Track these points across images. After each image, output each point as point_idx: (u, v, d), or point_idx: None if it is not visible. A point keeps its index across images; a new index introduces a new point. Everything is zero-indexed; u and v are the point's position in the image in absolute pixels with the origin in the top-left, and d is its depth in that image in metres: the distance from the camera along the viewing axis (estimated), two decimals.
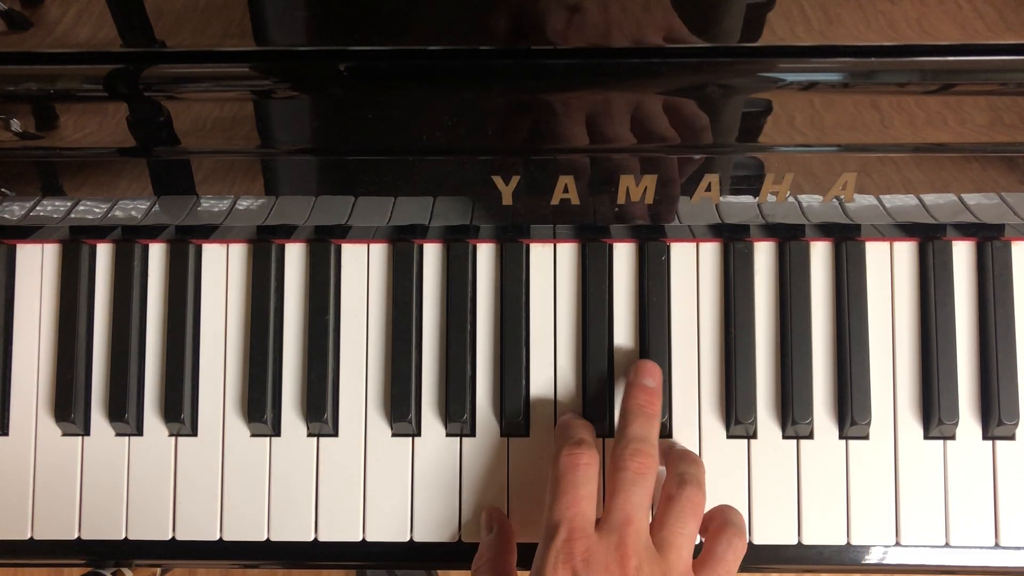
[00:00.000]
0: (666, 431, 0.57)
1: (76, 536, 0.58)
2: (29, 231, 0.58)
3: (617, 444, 0.52)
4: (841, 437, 0.57)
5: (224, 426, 0.58)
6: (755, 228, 0.56)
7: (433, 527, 0.57)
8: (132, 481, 0.58)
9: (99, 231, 0.58)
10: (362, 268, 0.59)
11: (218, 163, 0.51)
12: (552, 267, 0.58)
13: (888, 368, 0.57)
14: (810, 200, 0.52)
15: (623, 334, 0.58)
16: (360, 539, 0.57)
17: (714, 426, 0.57)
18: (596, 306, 0.57)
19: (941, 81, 0.47)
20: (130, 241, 0.59)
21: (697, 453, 0.56)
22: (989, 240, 0.57)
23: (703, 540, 0.53)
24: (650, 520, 0.51)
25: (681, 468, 0.52)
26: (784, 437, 0.57)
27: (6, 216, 0.55)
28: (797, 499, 0.56)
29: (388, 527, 0.57)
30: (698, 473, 0.52)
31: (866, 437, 0.57)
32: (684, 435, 0.57)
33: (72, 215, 0.55)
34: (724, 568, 0.50)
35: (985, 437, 0.57)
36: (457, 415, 0.57)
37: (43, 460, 0.58)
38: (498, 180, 0.51)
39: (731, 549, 0.51)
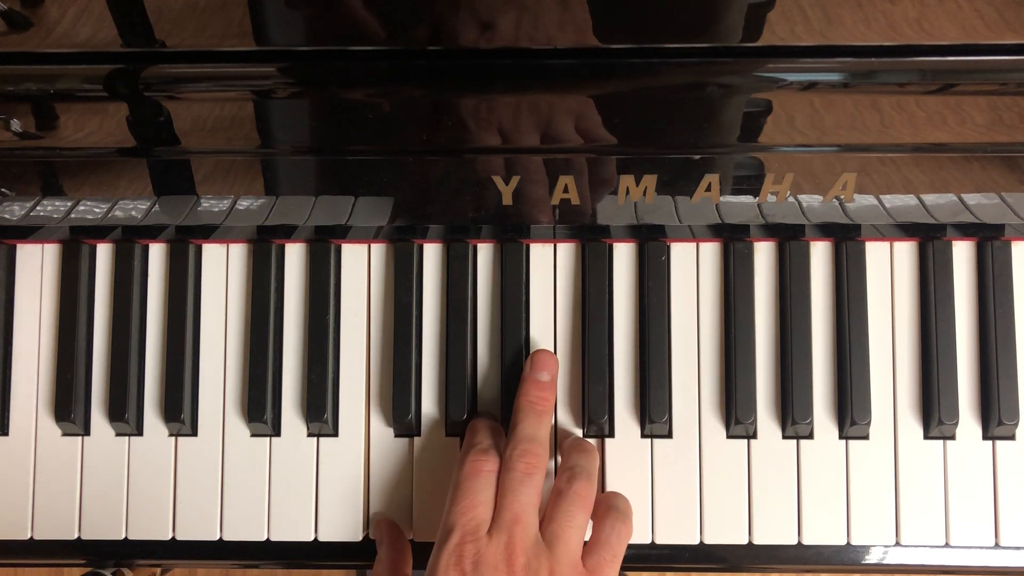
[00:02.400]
0: (666, 431, 0.57)
1: (76, 536, 0.58)
2: (29, 231, 0.58)
3: (508, 442, 0.53)
4: (841, 437, 0.57)
5: (224, 426, 0.58)
6: (755, 228, 0.56)
7: (433, 527, 0.57)
8: (132, 481, 0.58)
9: (99, 231, 0.58)
10: (362, 268, 0.59)
11: (218, 163, 0.51)
12: (552, 267, 0.58)
13: (888, 368, 0.57)
14: (810, 200, 0.52)
15: (623, 334, 0.58)
16: (361, 539, 0.57)
17: (714, 426, 0.57)
18: (596, 306, 0.57)
19: (941, 81, 0.47)
20: (130, 241, 0.59)
21: (697, 453, 0.57)
22: (989, 240, 0.57)
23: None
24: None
25: (572, 461, 0.53)
26: (784, 437, 0.57)
27: (6, 216, 0.55)
28: (797, 499, 0.56)
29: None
30: (588, 465, 0.53)
31: (866, 437, 0.57)
32: (684, 435, 0.57)
33: (72, 215, 0.55)
34: (609, 552, 0.51)
35: (985, 437, 0.57)
36: (457, 415, 0.57)
37: (43, 460, 0.58)
38: (498, 180, 0.51)
39: (615, 533, 0.52)
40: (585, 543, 0.52)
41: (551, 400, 0.55)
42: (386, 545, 0.55)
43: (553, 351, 0.58)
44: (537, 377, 0.55)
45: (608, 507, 0.53)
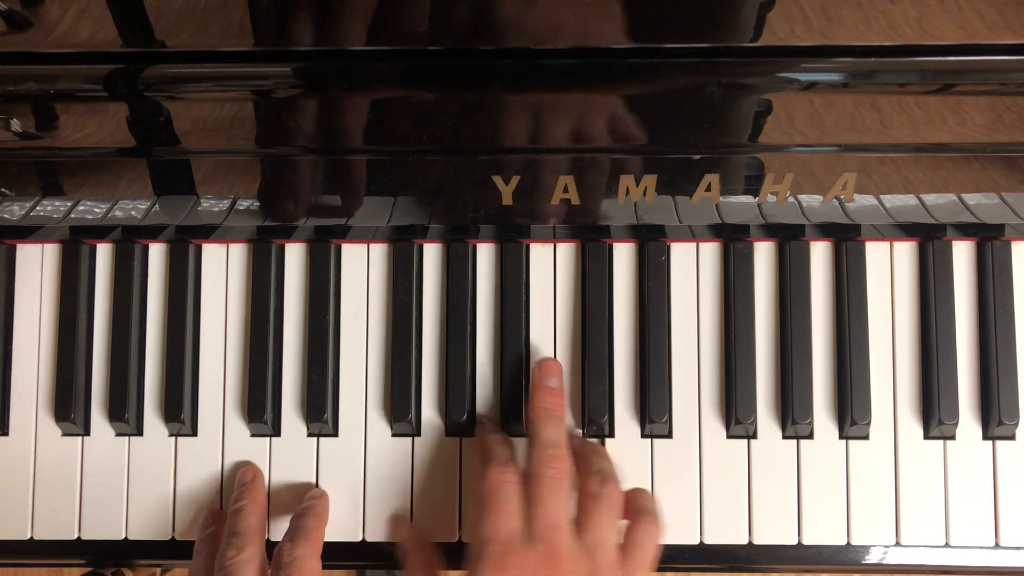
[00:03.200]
0: (666, 431, 0.57)
1: (76, 536, 0.58)
2: (29, 231, 0.58)
3: (532, 451, 0.52)
4: (841, 437, 0.57)
5: (224, 426, 0.58)
6: (755, 228, 0.56)
7: (433, 527, 0.57)
8: (132, 481, 0.58)
9: (99, 231, 0.58)
10: (362, 268, 0.59)
11: (218, 163, 0.51)
12: (552, 267, 0.58)
13: (888, 368, 0.57)
14: (810, 200, 0.52)
15: (623, 334, 0.58)
16: (360, 539, 0.57)
17: (714, 426, 0.57)
18: (596, 306, 0.57)
19: (941, 81, 0.47)
20: (130, 241, 0.59)
21: (697, 453, 0.57)
22: (989, 240, 0.57)
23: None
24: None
25: (596, 465, 0.53)
26: (784, 437, 0.57)
27: (6, 216, 0.55)
28: (797, 499, 0.56)
29: (388, 527, 0.57)
30: (611, 467, 0.53)
31: (866, 437, 0.57)
32: (684, 435, 0.57)
33: (72, 215, 0.55)
34: (645, 555, 0.51)
35: (985, 437, 0.57)
36: (457, 415, 0.57)
37: (43, 460, 0.58)
38: (498, 180, 0.51)
39: (648, 536, 0.52)
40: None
41: (563, 405, 0.56)
42: (413, 552, 0.55)
43: (553, 351, 0.58)
44: (548, 384, 0.56)
45: (638, 509, 0.53)
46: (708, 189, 0.51)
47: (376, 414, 0.58)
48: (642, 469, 0.57)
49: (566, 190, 0.51)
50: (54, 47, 0.48)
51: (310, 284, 0.58)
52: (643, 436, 0.57)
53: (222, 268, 0.59)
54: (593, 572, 0.49)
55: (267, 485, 0.57)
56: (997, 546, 0.56)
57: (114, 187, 0.53)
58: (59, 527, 0.58)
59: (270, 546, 0.55)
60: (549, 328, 0.58)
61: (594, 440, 0.57)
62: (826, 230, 0.57)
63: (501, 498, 0.50)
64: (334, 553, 0.57)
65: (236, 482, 0.56)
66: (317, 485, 0.57)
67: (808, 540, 0.56)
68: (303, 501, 0.56)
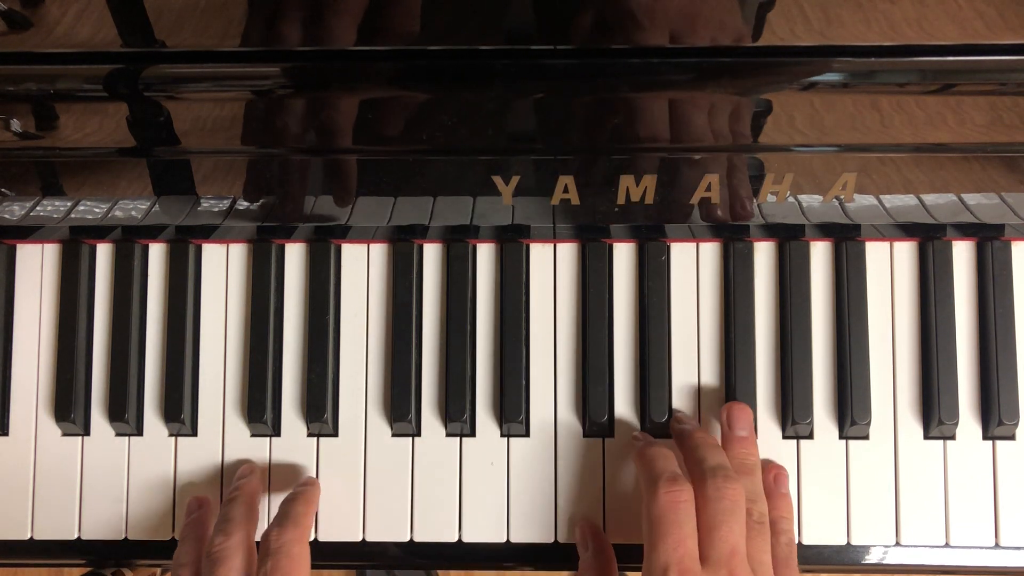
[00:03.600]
0: (666, 431, 0.57)
1: (76, 536, 0.58)
2: (29, 231, 0.58)
3: (703, 472, 0.51)
4: (841, 437, 0.57)
5: (224, 426, 0.58)
6: (755, 228, 0.56)
7: (433, 527, 0.57)
8: (132, 481, 0.58)
9: (99, 231, 0.58)
10: (362, 268, 0.59)
11: (218, 163, 0.51)
12: (552, 267, 0.58)
13: (888, 368, 0.57)
14: (810, 200, 0.52)
15: (623, 334, 0.58)
16: (360, 539, 0.57)
17: (714, 426, 0.57)
18: (596, 306, 0.57)
19: (941, 81, 0.47)
20: (130, 241, 0.59)
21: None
22: (989, 240, 0.57)
23: None
24: None
25: (749, 487, 0.52)
26: (784, 437, 0.57)
27: (6, 216, 0.55)
28: (797, 499, 0.56)
29: (388, 527, 0.57)
30: (758, 485, 0.53)
31: (866, 437, 0.57)
32: None
33: (72, 215, 0.55)
34: (792, 571, 0.52)
35: (985, 437, 0.57)
36: (457, 415, 0.57)
37: (43, 460, 0.58)
38: (498, 180, 0.51)
39: (792, 552, 0.53)
40: None
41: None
42: (593, 551, 0.54)
43: (553, 351, 0.58)
44: (691, 421, 0.57)
45: (775, 521, 0.54)
46: (708, 189, 0.51)
47: (376, 414, 0.58)
48: None
49: (566, 190, 0.51)
50: (54, 47, 0.48)
51: (310, 284, 0.58)
52: None
53: (222, 268, 0.59)
54: None
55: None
56: (997, 546, 0.56)
57: (114, 187, 0.53)
58: (59, 527, 0.58)
59: None
60: (549, 328, 0.58)
61: (591, 440, 0.57)
62: (826, 230, 0.57)
63: (674, 520, 0.49)
64: (334, 553, 0.57)
65: (236, 476, 0.57)
66: None
67: (808, 540, 0.56)
68: (294, 488, 0.56)
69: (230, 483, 0.57)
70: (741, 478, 0.52)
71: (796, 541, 0.53)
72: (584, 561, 0.55)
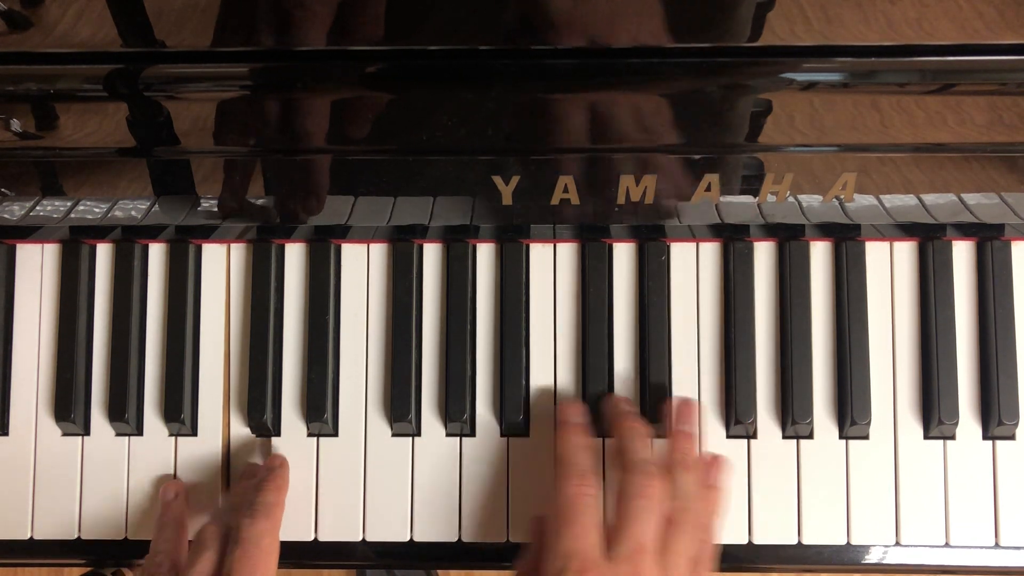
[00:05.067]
0: (667, 431, 0.57)
1: (76, 536, 0.58)
2: (29, 231, 0.58)
3: (626, 467, 0.51)
4: (841, 437, 0.57)
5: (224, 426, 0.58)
6: (755, 228, 0.56)
7: (433, 527, 0.57)
8: (132, 481, 0.58)
9: (99, 231, 0.58)
10: (362, 268, 0.59)
11: (218, 163, 0.51)
12: (552, 267, 0.58)
13: (888, 368, 0.57)
14: (810, 200, 0.52)
15: (623, 334, 0.58)
16: (360, 539, 0.57)
17: (714, 426, 0.57)
18: (596, 306, 0.57)
19: (941, 81, 0.47)
20: (130, 241, 0.59)
21: (697, 453, 0.56)
22: (989, 240, 0.57)
23: None
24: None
25: (681, 488, 0.52)
26: (784, 437, 0.57)
27: (6, 216, 0.55)
28: (797, 499, 0.56)
29: (388, 527, 0.57)
30: (692, 484, 0.52)
31: (866, 437, 0.57)
32: None
33: (72, 215, 0.55)
34: (707, 569, 0.52)
35: (985, 437, 0.57)
36: (457, 415, 0.57)
37: (43, 460, 0.58)
38: (498, 180, 0.51)
39: (708, 551, 0.52)
40: None
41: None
42: (534, 546, 0.54)
43: (553, 351, 0.58)
44: (627, 408, 0.56)
45: (701, 516, 0.53)
46: (708, 189, 0.51)
47: (376, 414, 0.58)
48: None
49: (566, 190, 0.51)
50: (54, 47, 0.48)
51: (310, 284, 0.58)
52: None
53: (222, 268, 0.59)
54: None
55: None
56: (997, 546, 0.56)
57: (114, 187, 0.53)
58: (59, 527, 0.58)
59: None
60: (549, 328, 0.58)
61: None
62: (826, 230, 0.57)
63: (580, 511, 0.49)
64: (334, 553, 0.57)
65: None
66: (317, 485, 0.57)
67: (808, 540, 0.56)
68: (261, 472, 0.55)
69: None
70: (674, 473, 0.52)
71: (716, 541, 0.53)
72: (529, 551, 0.54)
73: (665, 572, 0.49)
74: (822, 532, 0.56)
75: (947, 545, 0.56)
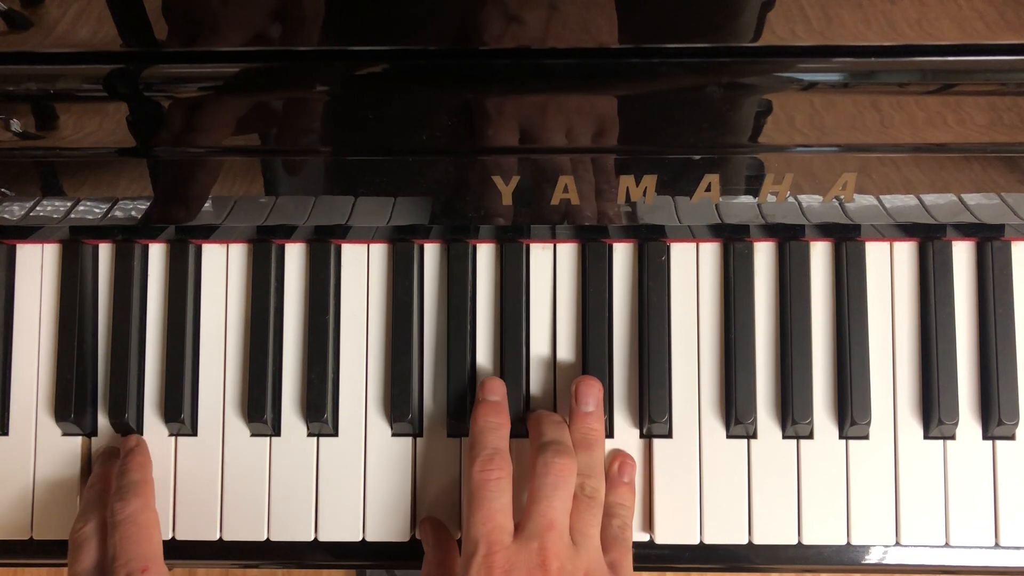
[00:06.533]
0: (666, 431, 0.57)
1: None
2: (29, 231, 0.58)
3: (536, 447, 0.52)
4: (841, 437, 0.57)
5: (224, 426, 0.58)
6: (755, 228, 0.56)
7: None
8: None
9: (99, 231, 0.58)
10: (362, 268, 0.59)
11: (218, 163, 0.51)
12: (552, 267, 0.58)
13: (888, 368, 0.57)
14: (810, 200, 0.52)
15: (623, 334, 0.58)
16: (360, 539, 0.57)
17: (714, 426, 0.57)
18: (596, 306, 0.57)
19: (941, 81, 0.47)
20: (130, 241, 0.59)
21: (697, 453, 0.57)
22: (989, 240, 0.57)
23: None
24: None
25: (583, 460, 0.53)
26: (784, 437, 0.57)
27: (6, 216, 0.55)
28: (797, 499, 0.56)
29: (388, 527, 0.57)
30: (597, 462, 0.54)
31: (866, 437, 0.57)
32: (684, 435, 0.57)
33: (72, 215, 0.55)
34: (624, 546, 0.53)
35: (985, 437, 0.57)
36: (457, 415, 0.57)
37: (43, 460, 0.58)
38: (498, 180, 0.51)
39: (626, 526, 0.54)
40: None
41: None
42: (432, 544, 0.55)
43: (553, 351, 0.58)
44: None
45: (612, 505, 0.54)
46: (708, 189, 0.51)
47: (376, 414, 0.58)
48: (642, 469, 0.57)
49: (566, 190, 0.51)
50: (54, 47, 0.48)
51: (310, 284, 0.58)
52: (642, 436, 0.57)
53: (222, 268, 0.59)
54: (587, 568, 0.49)
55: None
56: (997, 546, 0.56)
57: (114, 187, 0.53)
58: (59, 527, 0.58)
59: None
60: (549, 328, 0.58)
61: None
62: (826, 230, 0.57)
63: (485, 495, 0.50)
64: (334, 553, 0.57)
65: (121, 447, 0.57)
66: (317, 485, 0.57)
67: (808, 540, 0.56)
68: (122, 456, 0.56)
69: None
70: (579, 453, 0.53)
71: (635, 534, 0.55)
72: (427, 556, 0.55)
73: (575, 549, 0.50)
74: (822, 532, 0.56)
75: (947, 545, 0.56)
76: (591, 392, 0.56)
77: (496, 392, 0.56)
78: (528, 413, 0.57)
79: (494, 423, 0.54)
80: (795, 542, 0.56)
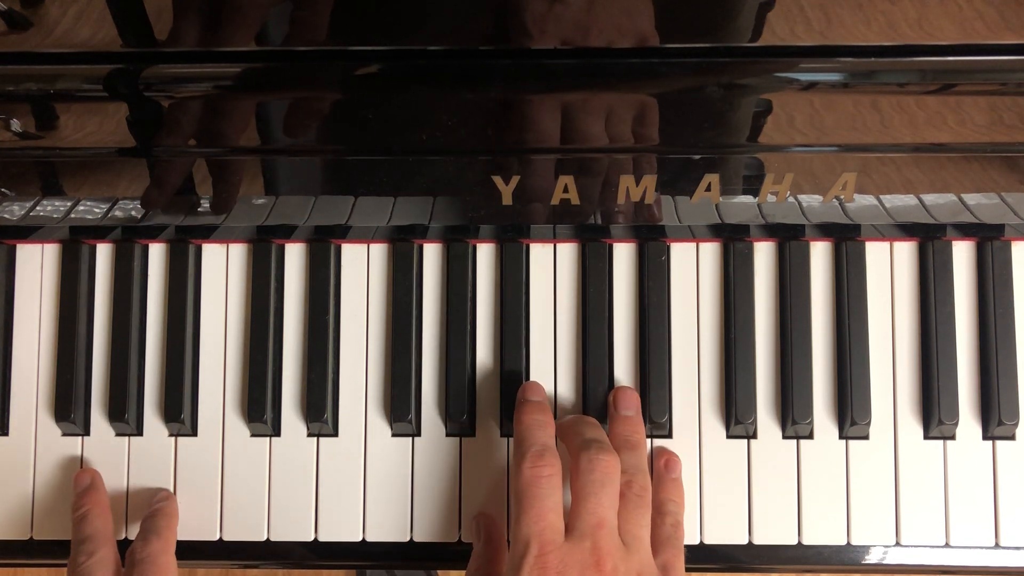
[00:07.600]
0: (667, 431, 0.57)
1: None
2: (29, 231, 0.58)
3: (577, 446, 0.51)
4: (841, 437, 0.57)
5: (224, 426, 0.58)
6: (755, 228, 0.56)
7: (433, 527, 0.57)
8: (131, 481, 0.58)
9: (99, 231, 0.58)
10: (362, 268, 0.59)
11: (218, 163, 0.51)
12: (552, 267, 0.58)
13: (888, 368, 0.57)
14: (810, 200, 0.52)
15: (623, 334, 0.58)
16: (360, 539, 0.57)
17: (714, 426, 0.57)
18: (596, 306, 0.57)
19: (941, 81, 0.47)
20: (130, 241, 0.59)
21: (697, 453, 0.57)
22: (989, 240, 0.57)
23: None
24: None
25: (628, 461, 0.52)
26: (784, 437, 0.57)
27: (6, 216, 0.55)
28: (797, 499, 0.56)
29: (388, 527, 0.57)
30: (642, 462, 0.53)
31: (866, 437, 0.57)
32: (684, 435, 0.57)
33: (72, 215, 0.55)
34: (676, 548, 0.52)
35: (985, 437, 0.57)
36: (457, 415, 0.57)
37: (43, 460, 0.58)
38: (498, 180, 0.51)
39: (678, 529, 0.53)
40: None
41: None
42: (484, 539, 0.54)
43: (553, 351, 0.58)
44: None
45: (662, 503, 0.54)
46: (708, 189, 0.51)
47: (376, 414, 0.58)
48: None
49: (566, 190, 0.51)
50: (54, 47, 0.48)
51: (310, 284, 0.58)
52: None
53: (222, 268, 0.59)
54: (639, 569, 0.49)
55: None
56: (997, 546, 0.56)
57: (114, 187, 0.53)
58: (59, 527, 0.58)
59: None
60: (549, 328, 0.58)
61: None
62: (826, 230, 0.57)
63: (537, 494, 0.49)
64: (334, 553, 0.57)
65: (73, 487, 0.56)
66: (317, 485, 0.57)
67: (808, 540, 0.56)
68: (152, 504, 0.56)
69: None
70: (622, 454, 0.52)
71: (686, 534, 0.54)
72: (475, 550, 0.55)
73: (626, 547, 0.49)
74: (822, 532, 0.56)
75: (947, 545, 0.56)
76: (631, 399, 0.56)
77: (538, 393, 0.56)
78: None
79: (540, 420, 0.53)
80: (795, 542, 0.56)
